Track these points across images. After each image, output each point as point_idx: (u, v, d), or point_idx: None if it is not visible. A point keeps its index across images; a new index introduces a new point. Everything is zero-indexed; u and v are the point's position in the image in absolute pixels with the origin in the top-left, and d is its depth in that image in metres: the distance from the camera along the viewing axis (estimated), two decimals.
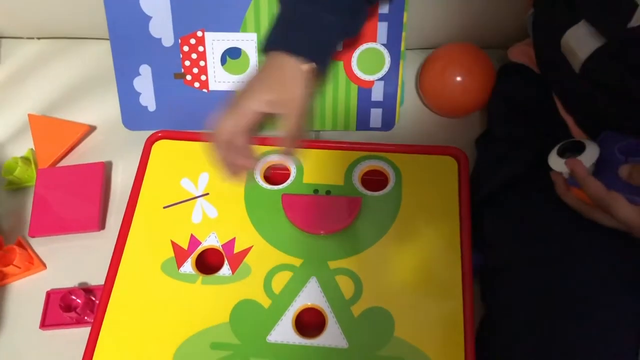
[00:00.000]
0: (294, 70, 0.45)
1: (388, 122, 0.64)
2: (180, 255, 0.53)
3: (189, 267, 0.53)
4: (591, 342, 0.43)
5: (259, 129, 0.48)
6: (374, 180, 0.57)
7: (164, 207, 0.56)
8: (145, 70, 0.62)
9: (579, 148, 0.46)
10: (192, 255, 0.53)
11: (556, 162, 0.46)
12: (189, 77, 0.63)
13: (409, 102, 0.67)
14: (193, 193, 0.57)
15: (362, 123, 0.64)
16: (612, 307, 0.45)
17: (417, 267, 0.51)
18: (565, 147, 0.46)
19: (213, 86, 0.63)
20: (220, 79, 0.63)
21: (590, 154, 0.45)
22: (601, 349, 0.43)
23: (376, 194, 0.56)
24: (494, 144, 0.57)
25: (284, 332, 0.49)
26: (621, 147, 0.45)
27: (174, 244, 0.54)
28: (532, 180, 0.51)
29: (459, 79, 0.61)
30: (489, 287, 0.53)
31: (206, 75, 0.63)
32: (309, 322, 0.50)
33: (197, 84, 0.63)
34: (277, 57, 0.46)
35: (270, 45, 0.47)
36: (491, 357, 0.48)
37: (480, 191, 0.55)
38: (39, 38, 0.76)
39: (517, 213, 0.52)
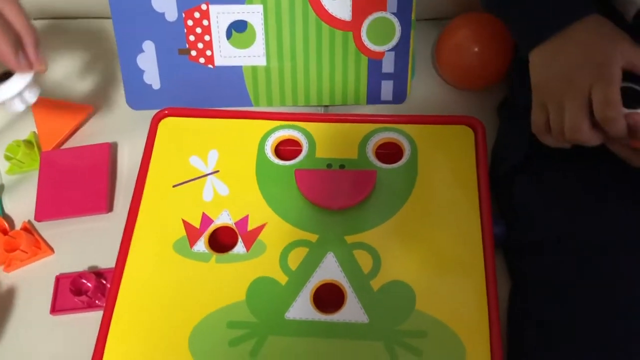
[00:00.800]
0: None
1: (399, 95, 0.62)
2: (192, 234, 0.52)
3: (202, 245, 0.51)
4: (626, 319, 0.42)
5: None
6: (388, 153, 0.55)
7: (174, 186, 0.55)
8: (148, 46, 0.61)
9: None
10: (204, 234, 0.52)
11: None
12: (193, 53, 0.61)
13: (420, 75, 0.65)
14: (203, 171, 0.55)
15: (373, 96, 0.62)
16: None
17: (436, 240, 0.50)
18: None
19: (219, 61, 0.61)
20: (226, 54, 0.61)
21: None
22: (635, 325, 0.42)
23: (391, 166, 0.54)
24: (518, 112, 0.54)
25: (302, 308, 0.48)
26: None
27: (185, 223, 0.52)
28: (565, 152, 0.48)
29: (477, 49, 0.60)
30: (518, 259, 0.51)
31: (211, 51, 0.61)
32: (328, 298, 0.49)
33: (202, 60, 0.61)
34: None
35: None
36: (522, 330, 0.47)
37: (510, 159, 0.52)
38: (37, 19, 0.74)
39: (551, 182, 0.49)
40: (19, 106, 0.51)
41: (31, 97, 0.51)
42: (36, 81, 0.50)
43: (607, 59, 0.41)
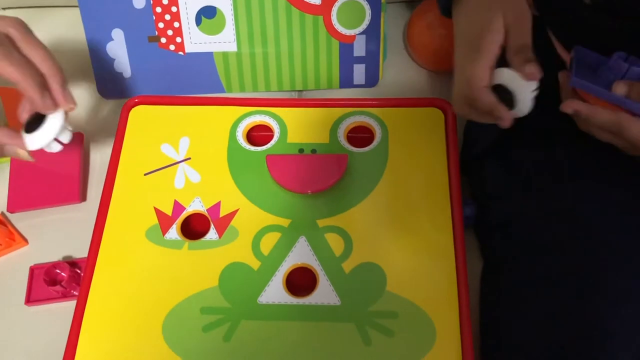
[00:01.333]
0: None
1: (372, 78, 0.62)
2: (164, 221, 0.52)
3: (174, 233, 0.51)
4: (598, 294, 0.43)
5: None
6: (360, 137, 0.56)
7: (145, 174, 0.54)
8: (117, 34, 0.60)
9: None
10: (177, 221, 0.52)
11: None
12: (163, 40, 0.60)
13: (393, 58, 0.65)
14: (174, 158, 0.55)
15: (345, 80, 0.62)
16: (627, 259, 0.44)
17: (406, 222, 0.51)
18: None
19: (189, 48, 0.61)
20: (196, 40, 0.60)
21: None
22: (609, 299, 0.43)
23: (362, 150, 0.54)
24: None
25: (274, 292, 0.48)
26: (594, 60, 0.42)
27: (157, 211, 0.52)
28: (538, 128, 0.49)
29: (447, 30, 0.58)
30: (490, 241, 0.52)
31: (181, 37, 0.60)
32: (300, 282, 0.49)
33: (172, 47, 0.61)
34: None
35: None
36: (493, 309, 0.48)
37: (480, 142, 0.53)
38: (4, 8, 0.73)
39: (523, 163, 0.50)
40: (55, 147, 0.50)
41: (65, 138, 0.50)
42: (66, 120, 0.49)
43: (483, 32, 0.42)
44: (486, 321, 0.49)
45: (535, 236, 0.47)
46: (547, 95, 0.43)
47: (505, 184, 0.51)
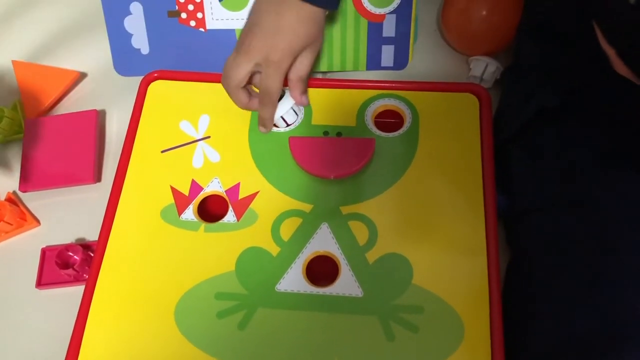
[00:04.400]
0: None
1: (401, 60, 0.59)
2: (180, 201, 0.49)
3: (190, 214, 0.49)
4: (621, 287, 0.40)
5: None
6: (388, 121, 0.53)
7: (162, 152, 0.52)
8: (136, 8, 0.58)
9: None
10: (193, 202, 0.49)
11: None
12: (184, 15, 0.58)
13: (423, 39, 0.62)
14: (193, 136, 0.53)
15: (373, 62, 0.59)
16: None
17: (436, 212, 0.48)
18: None
19: (210, 25, 0.58)
20: (218, 17, 0.58)
21: None
22: (631, 294, 0.40)
23: (391, 135, 0.52)
24: (523, 76, 0.52)
25: (294, 280, 0.45)
26: None
27: (173, 190, 0.50)
28: (568, 114, 0.46)
29: (485, 12, 0.57)
30: (515, 230, 0.49)
31: (203, 13, 0.58)
32: (321, 271, 0.47)
33: (193, 23, 0.58)
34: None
35: None
36: (518, 301, 0.45)
37: (509, 126, 0.50)
38: None
39: (549, 150, 0.47)
40: (281, 124, 0.52)
41: (290, 118, 0.52)
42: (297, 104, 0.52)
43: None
44: (512, 313, 0.46)
45: (559, 226, 0.45)
46: (588, 86, 0.40)
47: (531, 171, 0.48)
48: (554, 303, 0.43)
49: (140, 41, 0.59)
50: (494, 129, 0.53)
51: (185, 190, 0.50)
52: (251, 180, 0.50)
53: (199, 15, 0.58)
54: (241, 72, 0.47)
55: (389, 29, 0.58)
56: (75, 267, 0.51)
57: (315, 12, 0.46)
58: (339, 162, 0.50)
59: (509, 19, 0.57)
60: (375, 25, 0.58)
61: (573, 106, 0.46)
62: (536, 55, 0.51)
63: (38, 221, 0.56)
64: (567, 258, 0.43)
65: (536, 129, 0.49)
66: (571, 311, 0.41)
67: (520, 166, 0.49)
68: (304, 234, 0.47)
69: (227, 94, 0.55)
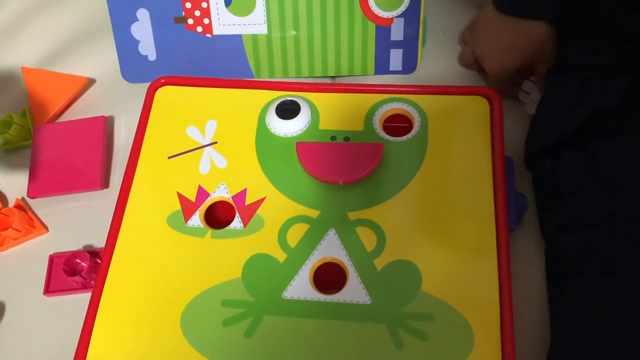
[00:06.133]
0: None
1: (409, 64, 0.59)
2: (187, 207, 0.49)
3: (197, 220, 0.49)
4: None
5: None
6: (397, 126, 0.52)
7: (169, 158, 0.52)
8: (143, 14, 0.58)
9: None
10: (200, 208, 0.49)
11: None
12: (190, 21, 0.58)
13: (432, 43, 0.61)
14: (200, 142, 0.53)
15: (381, 66, 0.59)
16: None
17: (445, 218, 0.47)
18: None
19: (217, 30, 0.58)
20: (225, 22, 0.58)
21: None
22: None
23: (400, 139, 0.51)
24: (569, 75, 0.49)
25: (301, 287, 0.45)
26: None
27: (180, 196, 0.50)
28: (626, 117, 0.44)
29: None
30: (558, 240, 0.46)
31: (209, 19, 0.58)
32: (328, 278, 0.46)
33: (199, 29, 0.58)
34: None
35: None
36: (566, 311, 0.43)
37: (557, 130, 0.47)
38: None
39: (607, 157, 0.44)
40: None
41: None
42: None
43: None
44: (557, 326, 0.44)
45: (616, 239, 0.42)
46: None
47: (585, 179, 0.45)
48: (603, 321, 0.40)
49: (148, 48, 0.59)
50: (536, 132, 0.51)
51: (192, 196, 0.50)
52: (258, 185, 0.50)
53: (206, 21, 0.58)
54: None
55: (397, 32, 0.57)
56: (82, 274, 0.51)
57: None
58: (346, 168, 0.49)
59: None
60: (383, 29, 0.57)
61: (629, 108, 0.43)
62: (584, 53, 0.49)
63: (46, 228, 0.56)
64: (623, 278, 0.41)
65: (590, 133, 0.46)
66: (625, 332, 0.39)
67: (572, 173, 0.46)
68: (311, 241, 0.47)
69: (234, 99, 0.55)
